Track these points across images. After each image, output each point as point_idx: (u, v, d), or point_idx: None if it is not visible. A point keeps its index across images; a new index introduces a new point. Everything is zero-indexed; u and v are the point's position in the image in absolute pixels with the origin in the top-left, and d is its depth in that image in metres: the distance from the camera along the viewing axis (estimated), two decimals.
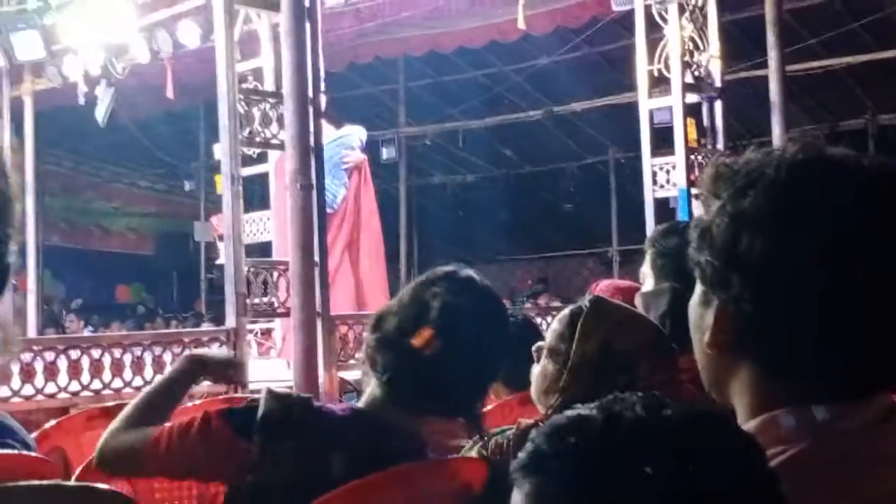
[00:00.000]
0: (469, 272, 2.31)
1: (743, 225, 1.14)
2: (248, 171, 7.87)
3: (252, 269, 7.12)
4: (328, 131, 8.25)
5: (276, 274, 7.19)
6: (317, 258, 6.98)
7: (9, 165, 0.72)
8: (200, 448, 2.20)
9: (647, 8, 8.52)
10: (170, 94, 12.11)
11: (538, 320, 5.48)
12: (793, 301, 1.12)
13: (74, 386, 6.40)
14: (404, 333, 2.19)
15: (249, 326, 7.92)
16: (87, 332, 15.44)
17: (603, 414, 0.93)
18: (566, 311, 2.34)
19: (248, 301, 7.01)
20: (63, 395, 6.35)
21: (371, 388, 2.29)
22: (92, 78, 11.33)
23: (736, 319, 1.16)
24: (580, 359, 2.20)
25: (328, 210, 7.79)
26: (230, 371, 2.89)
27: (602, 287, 4.00)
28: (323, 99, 7.43)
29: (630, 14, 8.91)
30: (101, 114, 11.81)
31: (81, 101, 11.43)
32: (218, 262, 8.74)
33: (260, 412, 2.16)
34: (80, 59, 10.86)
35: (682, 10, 8.46)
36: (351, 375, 7.06)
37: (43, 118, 12.36)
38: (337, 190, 8.86)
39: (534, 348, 2.40)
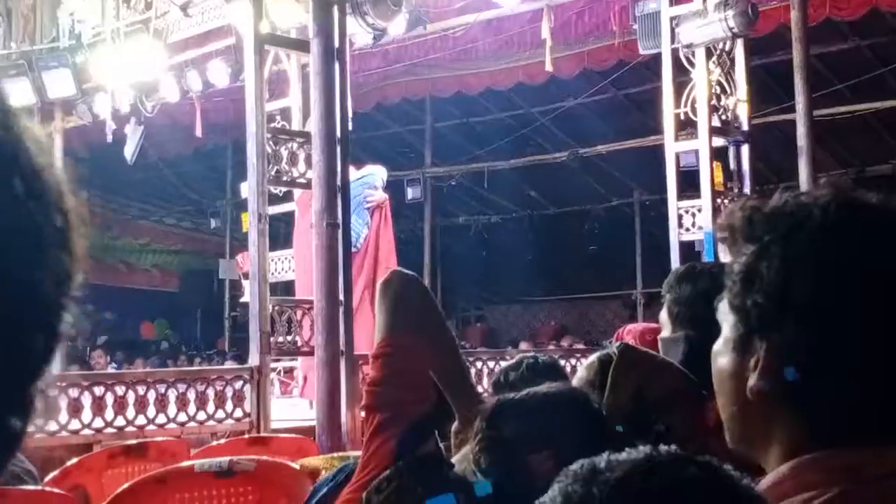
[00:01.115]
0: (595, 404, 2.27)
1: (797, 267, 1.12)
2: (273, 210, 7.88)
3: (276, 308, 7.12)
4: (350, 171, 8.28)
5: (300, 312, 7.19)
6: (341, 297, 6.97)
7: (68, 194, 0.65)
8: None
9: (675, 52, 8.53)
10: (199, 132, 12.23)
11: (562, 362, 5.44)
12: (848, 343, 1.11)
13: (98, 422, 6.38)
14: (522, 443, 2.14)
15: (272, 365, 7.91)
16: (111, 369, 15.44)
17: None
18: (593, 358, 2.30)
19: (271, 339, 7.01)
20: (86, 431, 6.34)
21: (466, 472, 2.23)
22: (121, 116, 11.45)
23: (785, 364, 1.14)
24: (611, 407, 2.16)
25: (352, 249, 7.79)
26: None
27: (631, 330, 3.96)
28: None
29: (657, 57, 8.93)
30: (129, 151, 11.92)
31: (109, 138, 11.53)
32: (242, 300, 8.76)
33: (419, 450, 2.23)
34: (110, 96, 10.97)
35: (709, 54, 8.46)
36: None
37: (72, 155, 12.48)
38: (360, 229, 8.87)
39: None
